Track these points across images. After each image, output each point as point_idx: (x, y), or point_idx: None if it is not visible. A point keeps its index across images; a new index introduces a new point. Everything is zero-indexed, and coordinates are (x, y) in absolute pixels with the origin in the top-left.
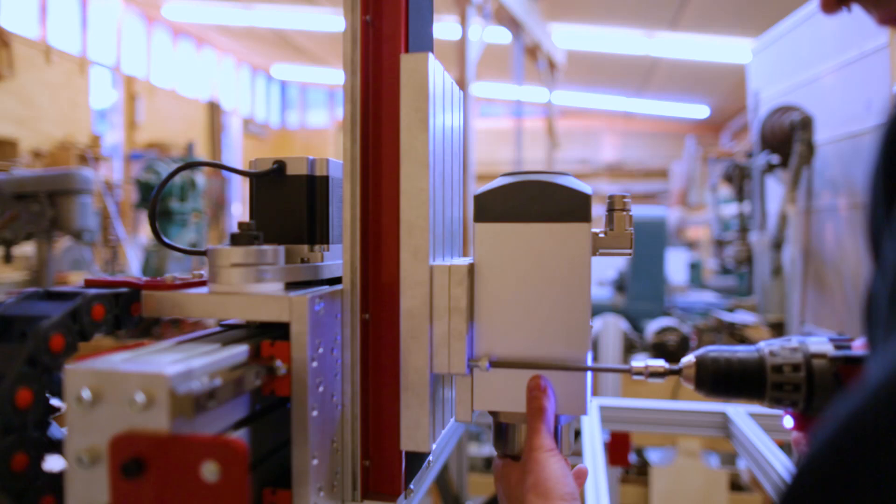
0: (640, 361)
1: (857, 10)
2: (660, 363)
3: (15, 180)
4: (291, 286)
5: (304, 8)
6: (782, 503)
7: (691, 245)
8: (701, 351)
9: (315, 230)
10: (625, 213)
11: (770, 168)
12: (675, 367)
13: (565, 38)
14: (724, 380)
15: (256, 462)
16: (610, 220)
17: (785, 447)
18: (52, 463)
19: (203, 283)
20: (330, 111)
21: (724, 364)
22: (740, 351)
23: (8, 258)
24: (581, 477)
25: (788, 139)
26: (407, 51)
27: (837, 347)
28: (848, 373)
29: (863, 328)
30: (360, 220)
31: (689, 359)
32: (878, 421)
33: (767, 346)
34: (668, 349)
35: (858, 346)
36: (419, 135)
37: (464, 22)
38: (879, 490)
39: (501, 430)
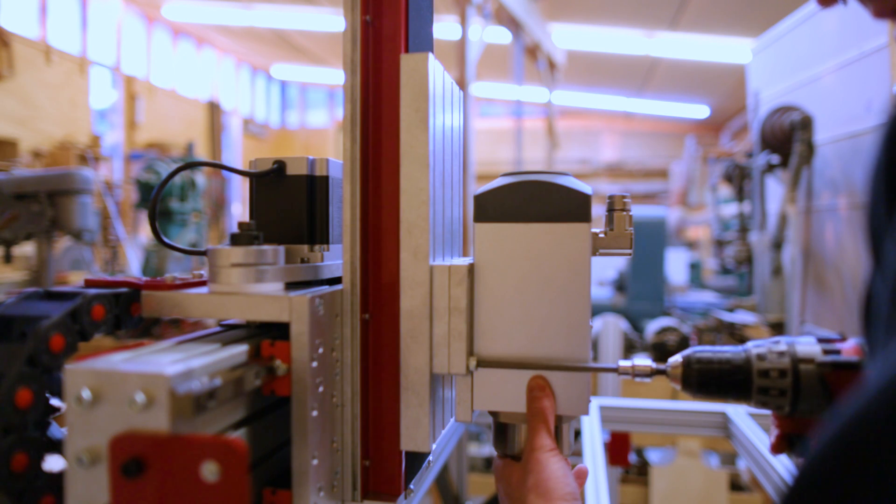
0: (628, 361)
1: (854, 4)
2: (646, 362)
3: (15, 180)
4: (291, 286)
5: (304, 8)
6: (789, 498)
7: (691, 245)
8: (688, 351)
9: (315, 230)
10: (625, 213)
11: (770, 168)
12: (661, 366)
13: (565, 38)
14: (709, 381)
15: (256, 462)
16: (610, 220)
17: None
18: (52, 463)
19: (203, 283)
20: (330, 111)
21: (709, 365)
22: (728, 352)
23: (8, 258)
24: (581, 477)
25: (788, 139)
26: (407, 51)
27: (826, 352)
28: (835, 378)
29: (861, 328)
30: (360, 220)
31: (675, 359)
32: (881, 423)
33: (755, 347)
34: (668, 349)
35: (848, 348)
36: (419, 135)
37: (464, 22)
38: (883, 492)
39: (502, 430)
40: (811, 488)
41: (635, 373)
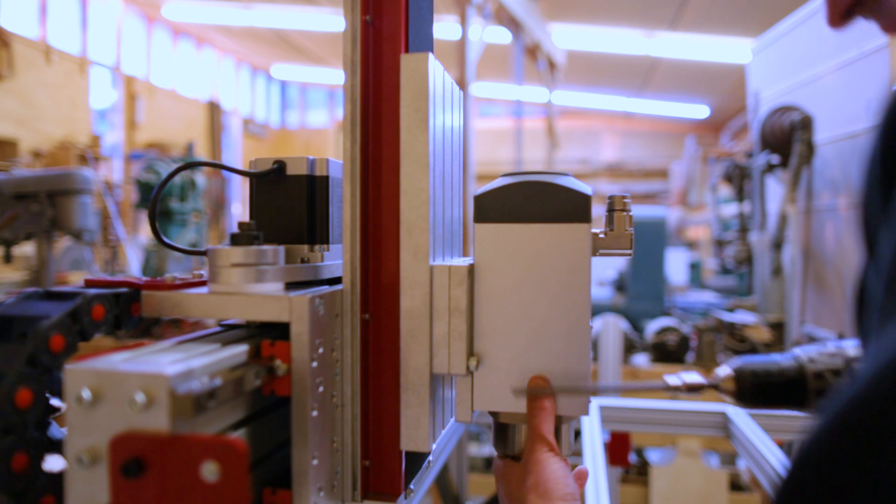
0: (674, 376)
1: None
2: (696, 377)
3: (15, 180)
4: (291, 286)
5: (304, 8)
6: (780, 494)
7: (691, 245)
8: (737, 362)
9: (315, 230)
10: (625, 213)
11: (770, 168)
12: (712, 381)
13: (565, 38)
14: (765, 391)
15: (256, 462)
16: (610, 220)
17: (785, 447)
18: (52, 463)
19: (203, 283)
20: (330, 111)
21: (763, 375)
22: (778, 360)
23: (8, 258)
24: (582, 478)
25: (788, 139)
26: (407, 51)
27: None
28: None
29: (853, 318)
30: (360, 220)
31: (726, 371)
32: (876, 407)
33: (804, 352)
34: (668, 349)
35: None
36: (419, 135)
37: (464, 22)
38: (880, 476)
39: (502, 430)
40: (808, 474)
41: (687, 388)
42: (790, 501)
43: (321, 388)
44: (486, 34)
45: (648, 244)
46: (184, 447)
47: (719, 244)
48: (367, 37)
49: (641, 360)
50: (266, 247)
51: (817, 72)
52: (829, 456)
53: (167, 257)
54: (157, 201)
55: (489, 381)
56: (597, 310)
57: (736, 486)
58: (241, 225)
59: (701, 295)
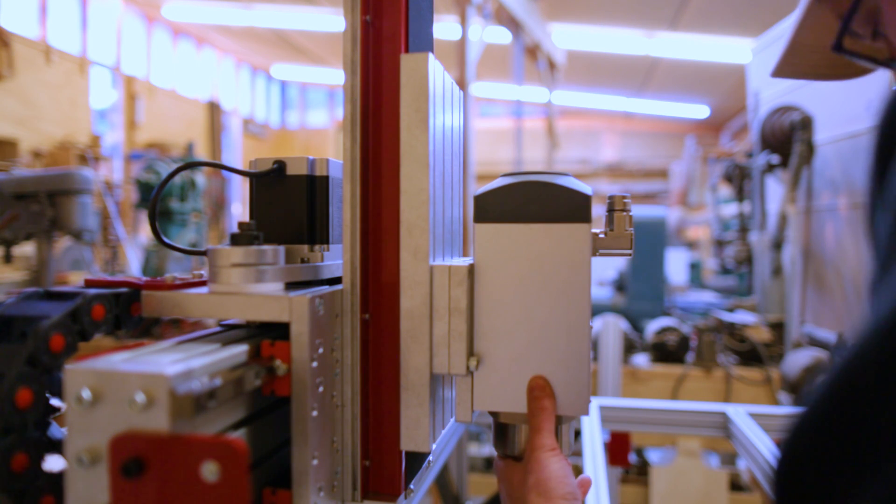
0: None
1: None
2: None
3: (15, 180)
4: (291, 286)
5: (304, 8)
6: (786, 446)
7: (691, 245)
8: None
9: (315, 230)
10: (625, 213)
11: (770, 168)
12: None
13: (565, 38)
14: None
15: (256, 462)
16: (610, 220)
17: None
18: (52, 463)
19: (203, 283)
20: (330, 111)
21: None
22: None
23: (8, 258)
24: (584, 487)
25: (788, 139)
26: (407, 51)
27: None
28: None
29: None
30: (360, 220)
31: None
32: (873, 363)
33: None
34: (668, 349)
35: None
36: (419, 135)
37: (464, 22)
38: (878, 431)
39: (502, 430)
40: (809, 433)
41: None
42: (791, 463)
43: (321, 388)
44: (486, 34)
45: (648, 244)
46: (184, 447)
47: (719, 244)
48: (367, 37)
49: (641, 360)
50: (266, 247)
51: None
52: (830, 411)
53: (167, 257)
54: (157, 201)
55: (489, 381)
56: (597, 310)
57: (736, 486)
58: (241, 225)
59: (701, 295)
